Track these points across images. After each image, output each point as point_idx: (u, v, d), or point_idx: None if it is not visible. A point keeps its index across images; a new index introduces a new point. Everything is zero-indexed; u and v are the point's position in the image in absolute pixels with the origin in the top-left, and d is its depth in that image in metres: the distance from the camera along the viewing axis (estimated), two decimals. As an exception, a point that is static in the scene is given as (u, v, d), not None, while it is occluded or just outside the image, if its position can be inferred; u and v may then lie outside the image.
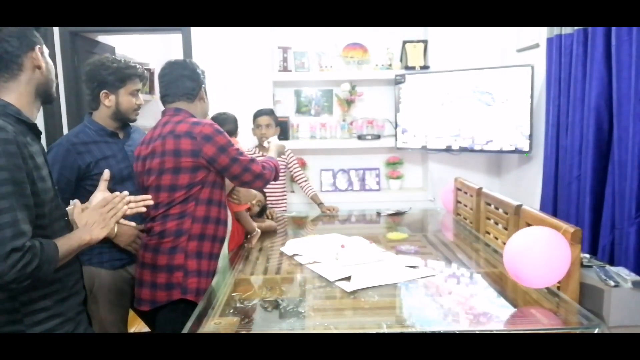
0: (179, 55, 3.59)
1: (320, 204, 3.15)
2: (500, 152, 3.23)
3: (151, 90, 4.42)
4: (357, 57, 3.74)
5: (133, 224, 1.39)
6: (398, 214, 2.85)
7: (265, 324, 1.44)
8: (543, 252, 1.48)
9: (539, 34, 2.91)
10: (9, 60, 1.17)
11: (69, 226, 1.31)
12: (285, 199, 3.19)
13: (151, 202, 1.43)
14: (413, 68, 3.60)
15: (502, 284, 1.64)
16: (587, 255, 1.80)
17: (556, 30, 2.62)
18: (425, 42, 3.64)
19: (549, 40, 2.69)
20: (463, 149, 3.34)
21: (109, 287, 1.89)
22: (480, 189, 2.37)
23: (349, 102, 3.77)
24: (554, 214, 2.59)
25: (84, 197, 1.85)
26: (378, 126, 3.78)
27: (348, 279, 1.65)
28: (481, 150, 3.28)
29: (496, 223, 2.14)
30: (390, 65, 3.72)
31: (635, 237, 2.01)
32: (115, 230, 1.84)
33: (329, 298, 1.56)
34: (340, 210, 3.05)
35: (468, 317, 1.41)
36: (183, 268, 1.71)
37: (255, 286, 1.70)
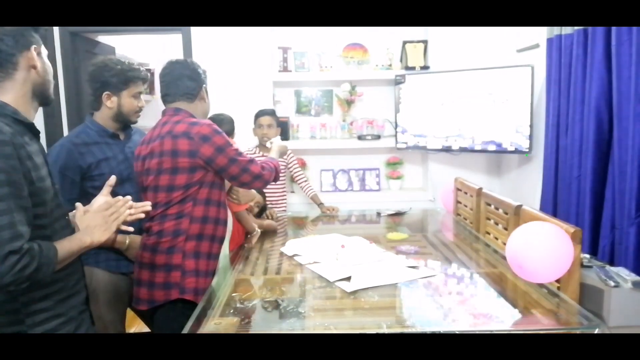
0: (178, 55, 3.59)
1: (320, 204, 3.15)
2: (500, 152, 3.23)
3: (151, 91, 4.42)
4: (357, 57, 3.75)
5: (131, 229, 1.39)
6: (398, 214, 2.85)
7: (265, 324, 1.44)
8: (548, 245, 1.49)
9: (539, 34, 2.91)
10: (3, 59, 1.17)
11: (69, 226, 1.31)
12: (285, 199, 3.19)
13: (149, 208, 1.44)
14: (413, 68, 3.60)
15: (502, 284, 1.64)
16: (587, 256, 1.80)
17: (556, 30, 2.62)
18: (425, 42, 3.64)
19: (549, 41, 2.69)
20: (463, 149, 3.34)
21: (106, 286, 1.89)
22: (480, 189, 2.37)
23: (349, 102, 3.78)
24: (554, 214, 2.59)
25: (84, 198, 1.85)
26: (378, 126, 3.78)
27: (348, 279, 1.65)
28: (481, 150, 3.28)
29: (496, 223, 2.14)
30: (390, 65, 3.72)
31: (635, 237, 2.01)
32: (127, 242, 1.85)
33: (329, 298, 1.56)
34: (340, 211, 3.05)
35: (468, 317, 1.41)
36: (181, 268, 1.71)
37: (255, 286, 1.70)
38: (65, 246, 1.18)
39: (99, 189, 1.85)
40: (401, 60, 3.70)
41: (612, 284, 1.53)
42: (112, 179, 1.47)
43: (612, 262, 2.09)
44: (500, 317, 1.43)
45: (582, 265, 1.62)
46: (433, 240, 2.26)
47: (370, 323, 1.37)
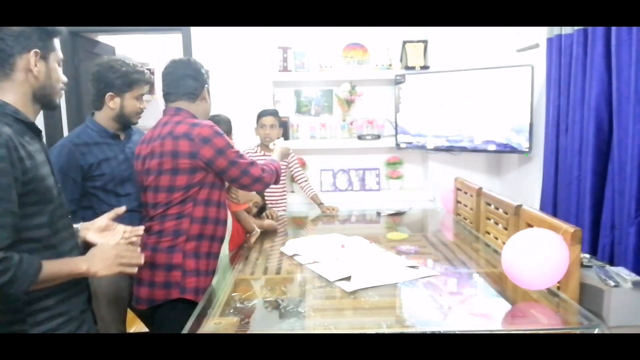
0: (178, 55, 3.59)
1: (320, 204, 3.15)
2: (500, 152, 3.23)
3: (151, 91, 4.42)
4: (357, 57, 3.75)
5: (134, 271, 1.41)
6: (398, 214, 2.85)
7: (265, 324, 1.44)
8: (538, 256, 1.48)
9: (539, 34, 2.91)
10: (2, 58, 1.17)
11: (72, 226, 1.32)
12: (285, 199, 3.19)
13: (142, 232, 1.48)
14: (413, 68, 3.60)
15: (502, 284, 1.64)
16: (587, 255, 1.80)
17: (556, 30, 2.62)
18: (425, 42, 3.64)
19: (549, 41, 2.69)
20: (463, 149, 3.34)
21: (107, 286, 1.89)
22: (480, 189, 2.37)
23: (349, 102, 3.78)
24: (554, 214, 2.59)
25: (85, 199, 1.86)
26: (378, 126, 3.78)
27: (348, 279, 1.65)
28: (481, 150, 3.28)
29: (496, 223, 2.14)
30: (390, 65, 3.72)
31: (635, 237, 2.01)
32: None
33: (329, 298, 1.56)
34: (340, 210, 3.05)
35: (468, 317, 1.41)
36: (181, 267, 1.71)
37: (255, 286, 1.70)
38: (54, 266, 1.15)
39: (99, 189, 1.87)
40: (401, 60, 3.70)
41: (612, 283, 1.53)
42: (121, 210, 1.48)
43: (612, 262, 2.09)
44: (500, 317, 1.43)
45: (582, 265, 1.62)
46: (433, 240, 2.26)
47: (370, 323, 1.37)
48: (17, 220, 1.10)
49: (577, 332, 1.29)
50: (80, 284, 1.31)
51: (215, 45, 3.53)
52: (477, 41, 3.46)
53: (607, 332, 1.29)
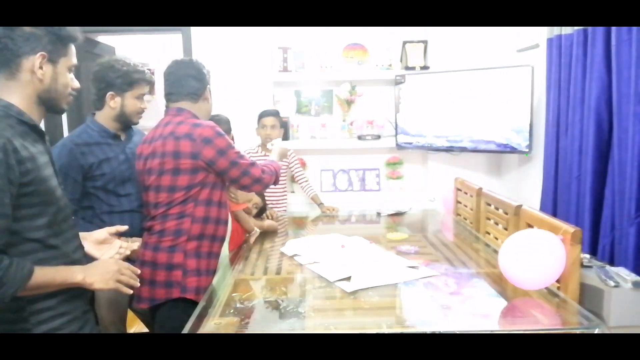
0: (178, 55, 3.59)
1: (320, 204, 3.16)
2: (501, 152, 3.23)
3: (151, 91, 4.42)
4: (357, 57, 3.75)
5: (130, 291, 1.41)
6: (398, 214, 2.85)
7: (265, 324, 1.44)
8: (534, 257, 1.48)
9: (539, 34, 2.91)
10: (8, 58, 1.17)
11: (76, 227, 1.32)
12: (285, 199, 3.19)
13: (136, 247, 1.49)
14: (413, 68, 3.60)
15: (502, 284, 1.64)
16: (587, 256, 1.80)
17: (556, 30, 2.62)
18: (425, 42, 3.64)
19: (549, 41, 2.70)
20: (463, 149, 3.34)
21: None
22: (480, 189, 2.37)
23: (349, 102, 3.77)
24: (554, 214, 2.59)
25: (85, 199, 1.86)
26: (378, 126, 3.78)
27: (348, 279, 1.65)
28: (481, 150, 3.28)
29: (496, 223, 2.14)
30: (390, 65, 3.72)
31: (635, 237, 2.01)
32: None
33: (329, 298, 1.56)
34: (340, 211, 3.05)
35: (468, 317, 1.41)
36: (182, 267, 1.72)
37: (255, 286, 1.70)
38: (48, 273, 1.15)
39: (99, 189, 1.87)
40: (401, 60, 3.70)
41: (612, 284, 1.53)
42: (122, 228, 1.48)
43: (612, 262, 2.09)
44: (500, 318, 1.43)
45: (582, 265, 1.62)
46: (433, 240, 2.26)
47: (370, 323, 1.37)
48: (9, 223, 1.09)
49: (577, 332, 1.29)
50: None
51: (215, 45, 3.53)
52: (477, 41, 3.46)
53: (607, 332, 1.29)
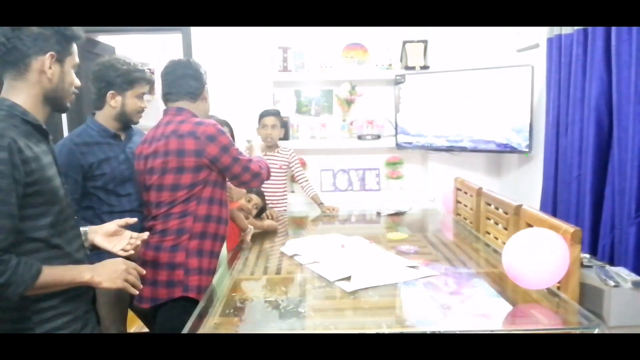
0: (178, 55, 3.59)
1: (320, 204, 3.15)
2: (500, 152, 3.23)
3: (151, 91, 4.42)
4: (357, 57, 3.74)
5: (136, 292, 1.41)
6: (398, 214, 2.85)
7: (265, 324, 1.44)
8: (539, 255, 1.48)
9: (539, 34, 2.91)
10: (17, 58, 1.18)
11: (78, 226, 1.32)
12: (285, 199, 3.19)
13: (146, 237, 1.48)
14: (413, 68, 3.60)
15: (502, 284, 1.64)
16: (587, 255, 1.80)
17: (556, 30, 2.62)
18: (425, 42, 3.64)
19: (549, 41, 2.69)
20: (463, 149, 3.34)
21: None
22: (480, 189, 2.37)
23: (349, 102, 3.77)
24: (554, 214, 2.59)
25: (86, 199, 1.86)
26: (378, 126, 3.78)
27: (348, 279, 1.65)
28: (481, 150, 3.28)
29: (496, 223, 2.14)
30: (390, 65, 3.72)
31: (635, 237, 2.01)
32: None
33: (329, 298, 1.56)
34: (340, 210, 3.05)
35: (468, 317, 1.41)
36: (184, 266, 1.72)
37: (255, 286, 1.70)
38: (56, 273, 1.16)
39: (99, 189, 1.87)
40: (401, 60, 3.70)
41: (612, 283, 1.53)
42: (133, 220, 1.47)
43: (612, 262, 2.09)
44: (500, 317, 1.43)
45: (582, 265, 1.62)
46: (433, 240, 2.26)
47: (370, 323, 1.37)
48: (16, 222, 1.09)
49: (577, 332, 1.29)
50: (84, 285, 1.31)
51: (215, 45, 3.53)
52: (477, 41, 3.46)
53: (607, 332, 1.29)
